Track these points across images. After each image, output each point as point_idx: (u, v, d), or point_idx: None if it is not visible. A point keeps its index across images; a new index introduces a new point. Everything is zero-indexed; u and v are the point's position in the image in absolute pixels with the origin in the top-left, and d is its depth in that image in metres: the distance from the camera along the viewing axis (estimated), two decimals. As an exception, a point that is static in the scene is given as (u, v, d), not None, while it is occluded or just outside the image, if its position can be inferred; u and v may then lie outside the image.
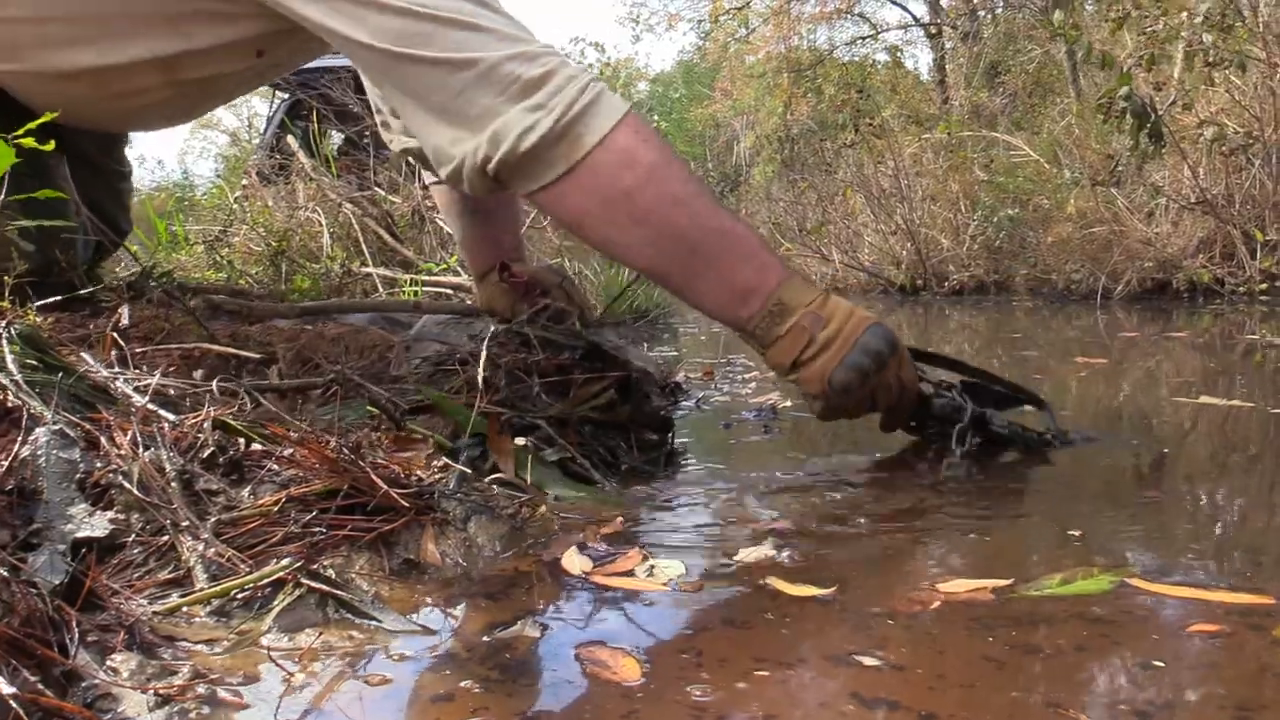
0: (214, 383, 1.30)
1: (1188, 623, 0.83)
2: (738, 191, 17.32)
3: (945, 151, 8.37)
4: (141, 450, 1.15)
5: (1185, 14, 6.24)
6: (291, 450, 1.16)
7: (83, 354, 1.39)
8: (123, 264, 2.79)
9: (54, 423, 1.07)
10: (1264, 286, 5.49)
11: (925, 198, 8.08)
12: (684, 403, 2.15)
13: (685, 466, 1.52)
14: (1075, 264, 6.14)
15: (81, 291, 1.70)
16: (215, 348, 1.53)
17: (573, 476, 1.38)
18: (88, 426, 1.17)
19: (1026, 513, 1.25)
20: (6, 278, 1.41)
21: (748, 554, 1.06)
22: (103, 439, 1.14)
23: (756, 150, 19.87)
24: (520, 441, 1.29)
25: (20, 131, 1.30)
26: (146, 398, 1.27)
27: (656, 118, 32.45)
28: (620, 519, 1.20)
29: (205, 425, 1.23)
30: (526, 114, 1.26)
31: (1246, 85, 5.95)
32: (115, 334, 1.55)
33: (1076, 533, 1.10)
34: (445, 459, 1.25)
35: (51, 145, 1.36)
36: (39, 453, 1.04)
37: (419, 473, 1.26)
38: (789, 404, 2.02)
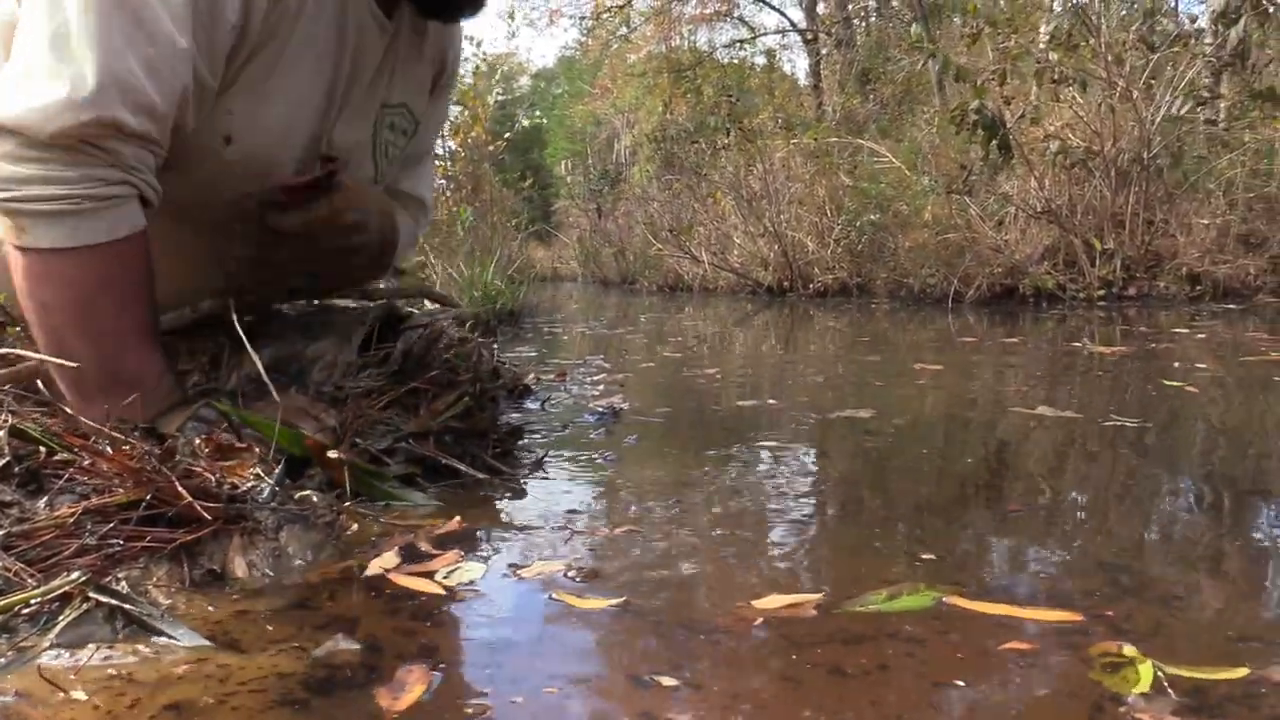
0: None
1: (1000, 641, 0.85)
2: (617, 189, 17.37)
3: (813, 157, 8.58)
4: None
5: (1037, 32, 6.56)
6: (91, 460, 1.13)
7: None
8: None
9: None
10: (1101, 293, 5.83)
11: (793, 201, 8.28)
12: (529, 404, 2.16)
13: (524, 471, 1.53)
14: (930, 268, 6.39)
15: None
16: (28, 354, 1.46)
17: (409, 485, 1.38)
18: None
19: (872, 525, 1.27)
20: None
21: (559, 560, 1.09)
22: (-115, 449, 1.09)
23: (635, 149, 19.97)
24: (333, 454, 1.27)
25: None
26: (-61, 404, 1.22)
27: (538, 112, 32.27)
28: (455, 520, 1.21)
29: (1, 434, 1.18)
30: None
31: (1089, 102, 6.29)
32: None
33: (924, 550, 1.12)
34: (259, 469, 1.23)
35: None
36: None
37: (234, 480, 1.24)
38: (626, 406, 2.06)
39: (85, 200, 1.24)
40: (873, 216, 7.22)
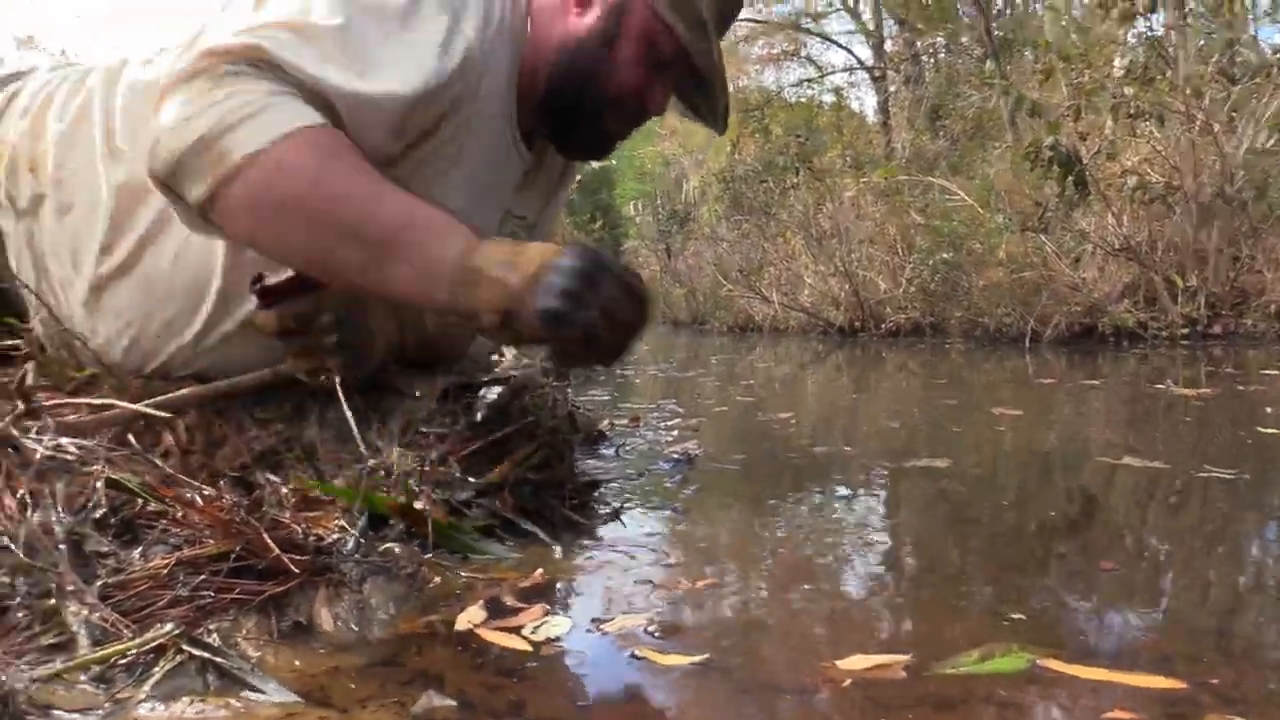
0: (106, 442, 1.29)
1: (1101, 708, 0.81)
2: (686, 229, 17.44)
3: (883, 195, 8.53)
4: (30, 512, 1.15)
5: (1111, 66, 6.45)
6: (183, 512, 1.16)
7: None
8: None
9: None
10: (1185, 331, 5.67)
11: (863, 240, 8.23)
12: (604, 450, 2.17)
13: (601, 522, 1.53)
14: (1006, 307, 6.28)
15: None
16: (121, 404, 1.51)
17: (489, 536, 1.39)
18: (-21, 486, 1.16)
19: (956, 581, 1.23)
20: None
21: (640, 615, 1.08)
22: (-8, 499, 1.14)
23: (703, 189, 20.04)
24: (419, 506, 1.29)
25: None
26: (38, 453, 1.27)
27: (607, 154, 32.62)
28: (538, 573, 1.22)
29: (98, 485, 1.22)
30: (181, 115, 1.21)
31: (1167, 136, 6.17)
32: (20, 387, 1.55)
33: (1012, 609, 1.09)
34: (343, 520, 1.25)
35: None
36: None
37: (319, 532, 1.26)
38: (701, 452, 2.05)
39: (278, 95, 1.22)
40: (946, 255, 7.13)
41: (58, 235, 1.59)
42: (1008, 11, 20.73)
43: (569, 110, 1.62)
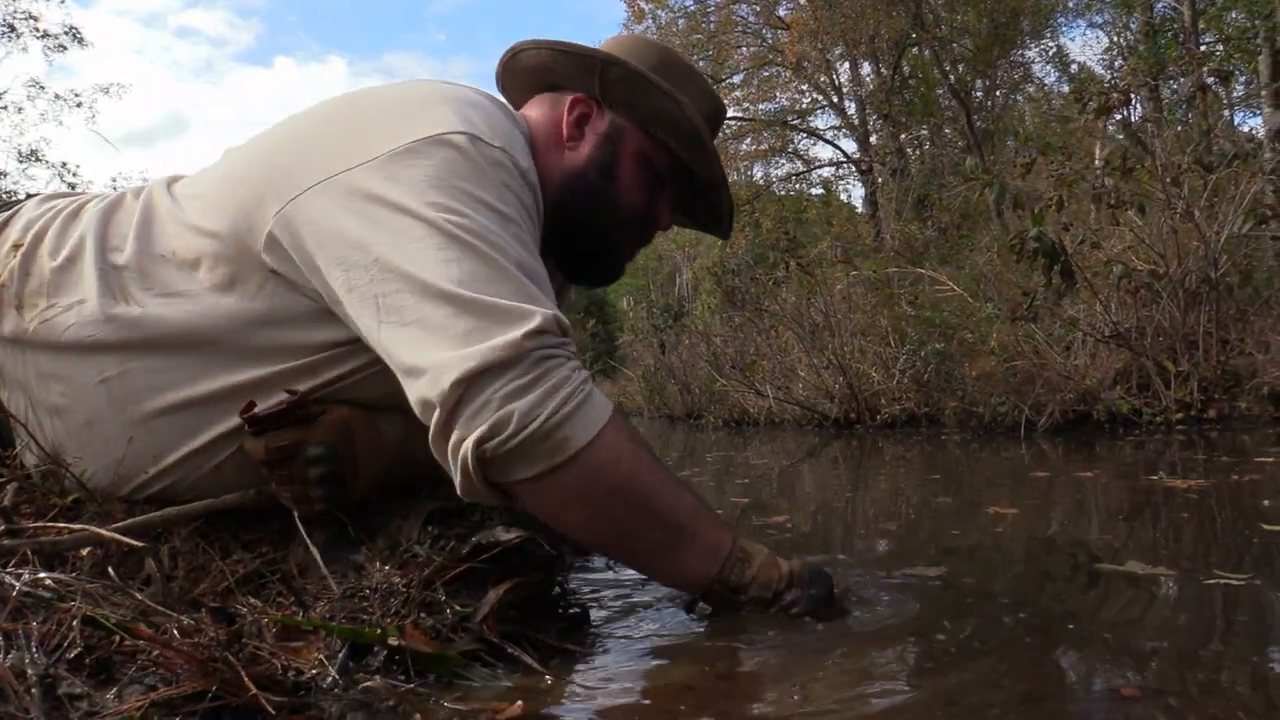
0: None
1: None
2: (680, 323, 17.58)
3: (874, 288, 8.61)
4: (3, 654, 1.13)
5: (1091, 157, 6.59)
6: (158, 652, 1.13)
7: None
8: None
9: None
10: (1180, 416, 5.66)
11: (855, 332, 8.27)
12: (596, 562, 2.14)
13: (592, 647, 1.49)
14: (1000, 397, 6.28)
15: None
16: (102, 531, 1.50)
17: (475, 660, 1.36)
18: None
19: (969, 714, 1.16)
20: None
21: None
22: (-36, 642, 1.12)
23: (696, 283, 20.26)
24: (396, 642, 1.27)
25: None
26: (15, 590, 1.25)
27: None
28: (518, 704, 1.19)
29: (74, 623, 1.20)
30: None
31: (1149, 224, 6.26)
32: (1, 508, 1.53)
33: None
34: (323, 654, 1.23)
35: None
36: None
37: (299, 665, 1.24)
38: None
39: (586, 382, 1.37)
40: (937, 345, 7.16)
41: (49, 368, 1.60)
42: (988, 104, 21.30)
43: (579, 240, 1.66)
